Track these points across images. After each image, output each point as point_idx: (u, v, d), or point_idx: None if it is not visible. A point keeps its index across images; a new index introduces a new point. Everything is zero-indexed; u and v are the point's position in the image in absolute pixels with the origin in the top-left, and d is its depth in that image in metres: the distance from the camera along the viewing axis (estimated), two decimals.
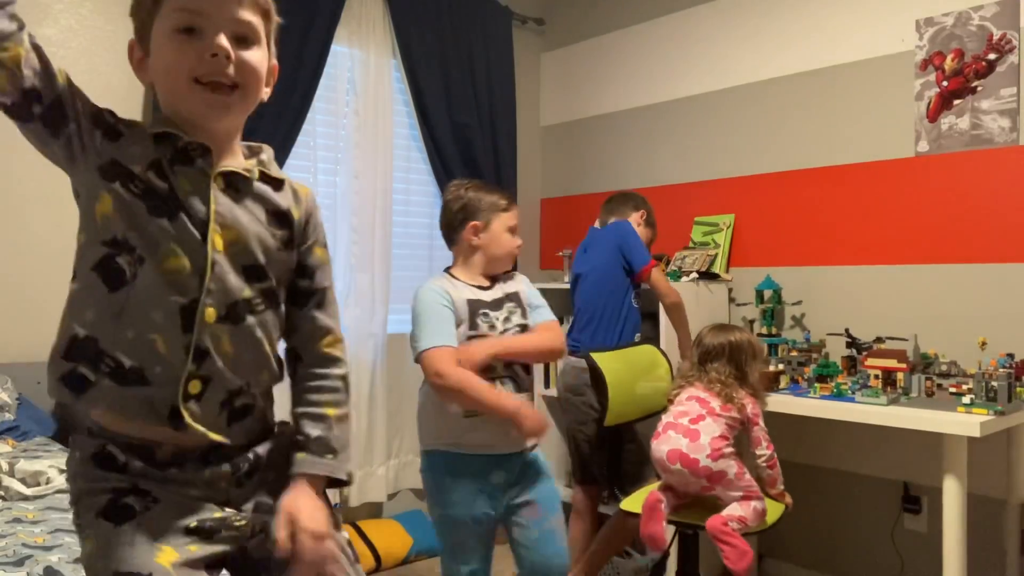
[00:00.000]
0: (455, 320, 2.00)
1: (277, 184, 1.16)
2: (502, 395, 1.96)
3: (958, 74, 2.66)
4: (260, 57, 1.10)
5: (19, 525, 1.62)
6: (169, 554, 0.99)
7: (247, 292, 1.09)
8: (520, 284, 2.20)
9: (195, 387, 1.04)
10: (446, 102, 3.53)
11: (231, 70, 1.05)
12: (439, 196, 3.57)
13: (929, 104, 2.73)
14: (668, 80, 3.56)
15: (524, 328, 2.10)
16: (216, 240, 1.05)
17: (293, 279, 1.20)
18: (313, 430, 1.15)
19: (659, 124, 3.59)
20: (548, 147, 4.15)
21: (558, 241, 3.89)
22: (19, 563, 1.42)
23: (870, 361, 2.43)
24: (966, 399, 2.16)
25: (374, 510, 3.34)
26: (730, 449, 2.19)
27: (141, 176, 1.02)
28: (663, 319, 2.93)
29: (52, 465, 1.92)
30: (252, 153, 1.17)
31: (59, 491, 1.86)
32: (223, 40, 1.04)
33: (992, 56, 2.59)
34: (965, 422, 2.04)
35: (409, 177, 3.56)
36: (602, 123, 3.85)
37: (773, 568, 3.09)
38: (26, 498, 1.81)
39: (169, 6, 1.04)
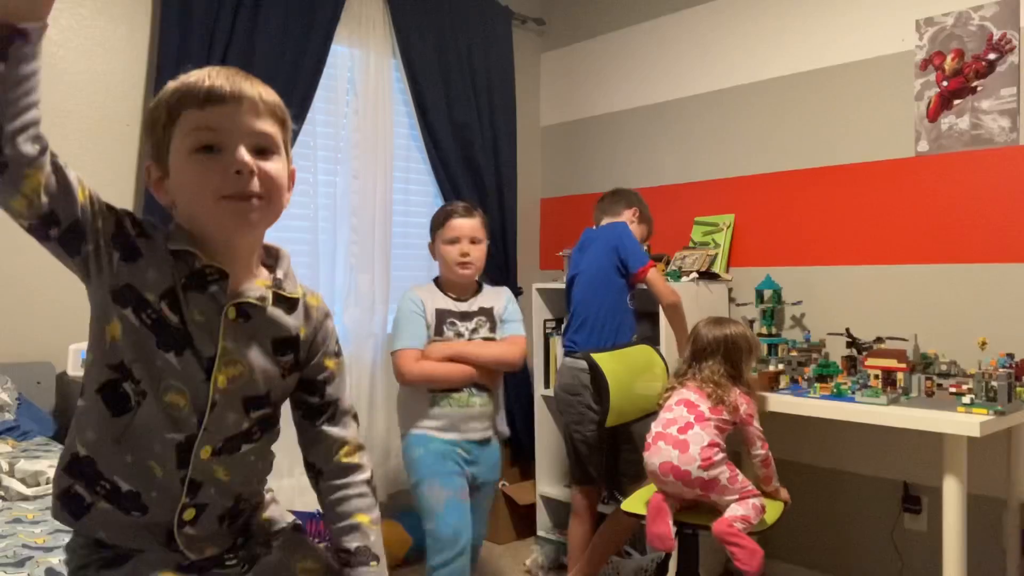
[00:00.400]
0: (424, 324, 2.35)
1: (290, 304, 1.15)
2: (454, 368, 2.32)
3: (958, 74, 2.66)
4: (280, 167, 1.08)
5: (19, 525, 1.62)
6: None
7: (245, 424, 1.11)
8: (497, 300, 2.48)
9: (190, 515, 1.07)
10: (446, 102, 3.53)
11: (255, 184, 1.03)
12: (439, 196, 3.58)
13: (929, 104, 2.73)
14: (668, 80, 3.56)
15: (490, 340, 2.41)
16: (220, 379, 1.06)
17: (302, 395, 1.21)
18: (352, 542, 1.17)
19: (659, 124, 3.59)
20: (548, 147, 4.15)
21: (558, 241, 3.89)
22: (19, 564, 1.42)
23: (870, 361, 2.43)
24: (966, 399, 2.15)
25: None
26: (721, 455, 2.18)
27: (154, 305, 1.01)
28: (663, 319, 2.93)
29: (52, 465, 1.91)
30: (270, 259, 1.16)
31: None
32: (244, 155, 1.02)
33: (992, 56, 2.59)
34: (965, 422, 2.04)
35: (409, 177, 3.56)
36: (602, 123, 3.85)
37: (773, 568, 3.09)
38: (26, 498, 1.81)
39: (186, 125, 1.02)
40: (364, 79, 3.32)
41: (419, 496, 2.29)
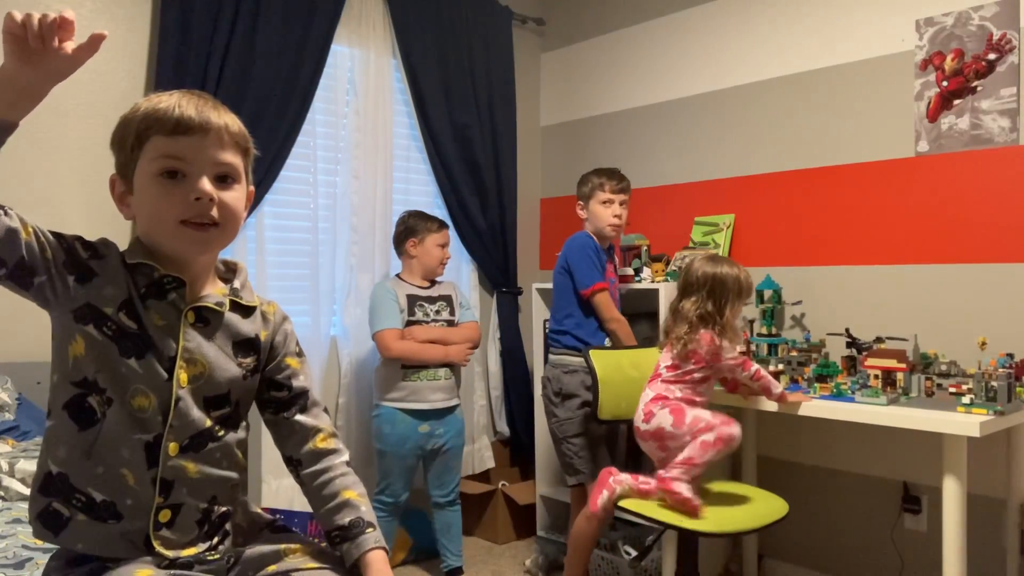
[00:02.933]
0: (399, 308, 2.93)
1: (247, 311, 1.21)
2: (428, 349, 2.91)
3: (958, 74, 2.66)
4: (240, 195, 1.16)
5: (19, 526, 1.62)
6: (146, 572, 1.06)
7: (208, 422, 1.14)
8: (452, 290, 3.12)
9: (165, 516, 1.10)
10: (446, 102, 3.53)
11: (214, 212, 1.10)
12: (439, 196, 3.58)
13: (929, 104, 2.73)
14: (668, 80, 3.55)
15: (450, 323, 3.04)
16: (181, 377, 1.11)
17: (271, 393, 1.25)
18: (345, 518, 1.19)
19: (659, 124, 3.59)
20: (548, 147, 4.15)
21: (558, 241, 3.86)
22: (19, 565, 1.42)
23: (870, 361, 2.43)
24: (966, 399, 2.15)
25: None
26: (661, 408, 2.24)
27: (112, 317, 1.06)
28: (664, 319, 2.93)
29: None
30: (228, 272, 1.22)
31: None
32: (207, 185, 1.08)
33: (992, 56, 2.59)
34: (965, 422, 2.03)
35: (409, 177, 3.56)
36: (602, 123, 3.85)
37: (773, 568, 3.09)
38: (26, 498, 1.81)
39: (153, 150, 1.08)
40: (364, 79, 3.31)
41: (380, 460, 2.94)
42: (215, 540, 1.16)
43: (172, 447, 1.10)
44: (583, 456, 2.70)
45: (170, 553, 1.09)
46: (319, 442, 1.25)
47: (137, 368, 1.07)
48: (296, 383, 1.26)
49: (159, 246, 1.11)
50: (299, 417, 1.25)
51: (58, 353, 1.09)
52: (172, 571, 1.08)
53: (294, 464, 1.25)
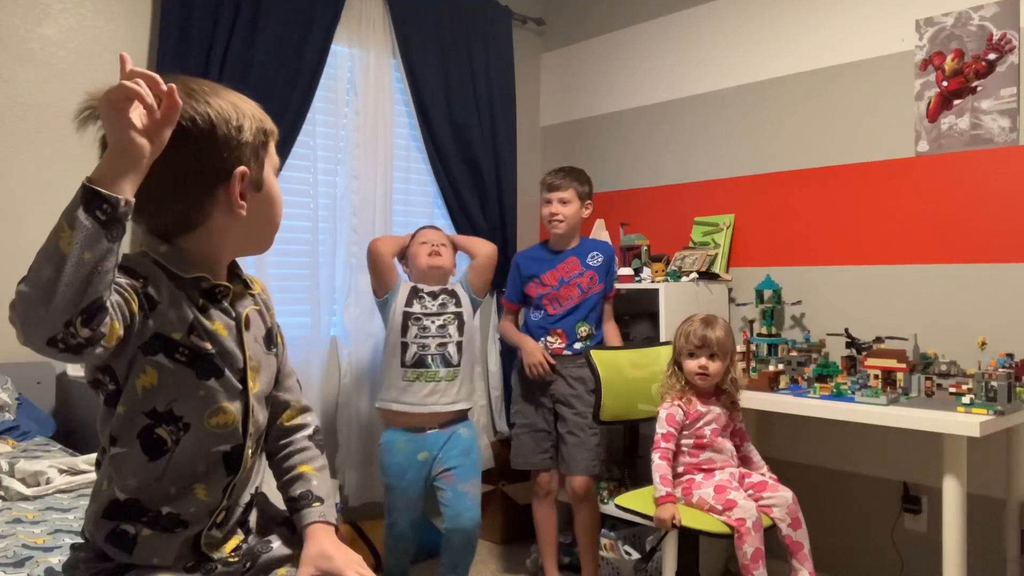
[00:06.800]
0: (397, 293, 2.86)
1: (255, 300, 1.20)
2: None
3: (958, 74, 2.66)
4: None
5: (19, 526, 1.62)
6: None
7: (262, 418, 1.18)
8: (458, 285, 2.97)
9: (220, 516, 1.12)
10: (446, 102, 3.53)
11: None
12: (439, 196, 3.58)
13: (929, 104, 2.73)
14: (668, 80, 3.55)
15: (458, 315, 2.86)
16: (252, 385, 1.13)
17: None
18: (296, 490, 1.23)
19: (659, 124, 3.59)
20: (548, 147, 4.15)
21: None
22: (19, 564, 1.42)
23: (870, 361, 2.43)
24: (966, 399, 2.15)
25: (374, 510, 3.34)
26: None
27: (184, 342, 1.03)
28: (663, 319, 2.93)
29: (52, 465, 1.91)
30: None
31: (59, 491, 1.86)
32: None
33: (992, 56, 2.59)
34: (965, 422, 2.04)
35: (409, 177, 3.56)
36: (602, 123, 3.85)
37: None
38: (26, 498, 1.81)
39: (270, 153, 1.17)
40: (364, 79, 3.31)
41: (386, 492, 2.82)
42: (242, 537, 1.17)
43: (249, 454, 1.13)
44: (515, 444, 3.03)
45: (215, 555, 1.11)
46: (285, 420, 1.28)
47: (217, 387, 1.07)
48: (286, 362, 1.29)
49: (236, 246, 1.13)
50: (275, 393, 1.26)
51: (125, 387, 1.04)
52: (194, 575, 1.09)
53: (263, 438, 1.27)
